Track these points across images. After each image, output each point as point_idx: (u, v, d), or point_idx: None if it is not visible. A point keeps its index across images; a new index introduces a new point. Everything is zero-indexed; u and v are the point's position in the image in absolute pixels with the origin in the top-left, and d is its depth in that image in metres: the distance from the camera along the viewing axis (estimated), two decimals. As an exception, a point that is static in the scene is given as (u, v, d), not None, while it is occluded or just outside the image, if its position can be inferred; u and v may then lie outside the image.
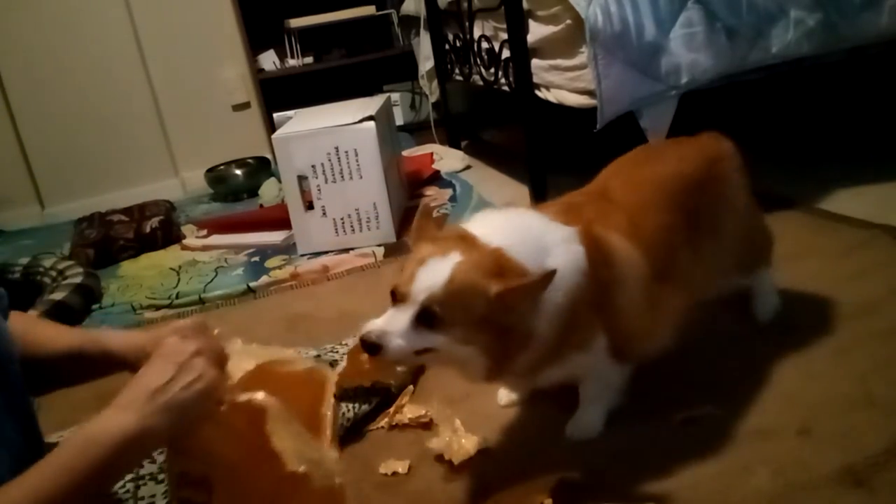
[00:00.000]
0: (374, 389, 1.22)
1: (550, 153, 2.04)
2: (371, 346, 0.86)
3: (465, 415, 1.16)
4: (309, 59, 3.50)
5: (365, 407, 1.20)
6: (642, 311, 1.02)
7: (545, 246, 0.94)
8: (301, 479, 0.80)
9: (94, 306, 1.97)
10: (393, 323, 0.87)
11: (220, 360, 0.83)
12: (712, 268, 1.15)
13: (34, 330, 0.95)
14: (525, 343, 0.91)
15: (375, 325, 0.87)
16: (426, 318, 0.86)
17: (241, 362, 0.87)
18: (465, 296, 0.86)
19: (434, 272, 0.87)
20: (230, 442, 0.81)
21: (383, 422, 1.19)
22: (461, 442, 1.07)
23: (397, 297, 0.89)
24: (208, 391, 0.77)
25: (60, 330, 0.98)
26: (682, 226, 1.09)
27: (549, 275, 0.86)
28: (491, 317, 0.87)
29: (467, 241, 0.92)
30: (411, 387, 1.26)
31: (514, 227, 0.97)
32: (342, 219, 2.08)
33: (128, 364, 0.88)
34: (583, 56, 1.77)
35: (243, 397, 0.81)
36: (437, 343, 0.88)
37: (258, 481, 0.81)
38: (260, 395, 0.81)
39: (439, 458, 1.07)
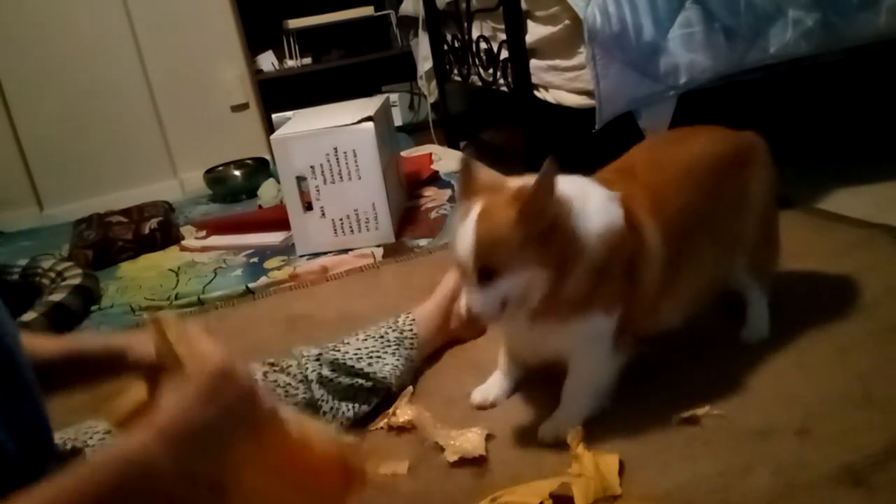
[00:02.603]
0: (375, 389, 1.22)
1: (549, 153, 2.04)
2: (475, 319, 0.98)
3: (465, 414, 1.16)
4: (307, 60, 3.51)
5: (365, 407, 1.20)
6: (656, 291, 1.06)
7: (585, 194, 1.00)
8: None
9: (93, 307, 1.97)
10: (470, 298, 0.97)
11: None
12: (725, 253, 1.18)
13: (29, 341, 0.87)
14: (569, 260, 0.96)
15: (465, 304, 0.98)
16: (485, 275, 0.95)
17: None
18: (497, 237, 0.94)
19: (465, 234, 0.95)
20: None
21: (383, 422, 1.19)
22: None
23: (461, 272, 0.99)
24: (250, 431, 0.69)
25: (49, 338, 0.90)
26: (702, 207, 1.12)
27: (549, 170, 0.92)
28: (530, 236, 0.93)
29: (494, 187, 0.99)
30: (410, 388, 1.26)
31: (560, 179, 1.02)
32: (341, 219, 2.08)
33: (127, 360, 0.84)
34: (581, 56, 1.77)
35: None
36: (508, 287, 0.95)
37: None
38: None
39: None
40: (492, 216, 0.95)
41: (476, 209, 0.96)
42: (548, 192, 0.94)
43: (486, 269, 0.95)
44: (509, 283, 0.96)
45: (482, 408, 1.18)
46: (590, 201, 1.00)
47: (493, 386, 1.21)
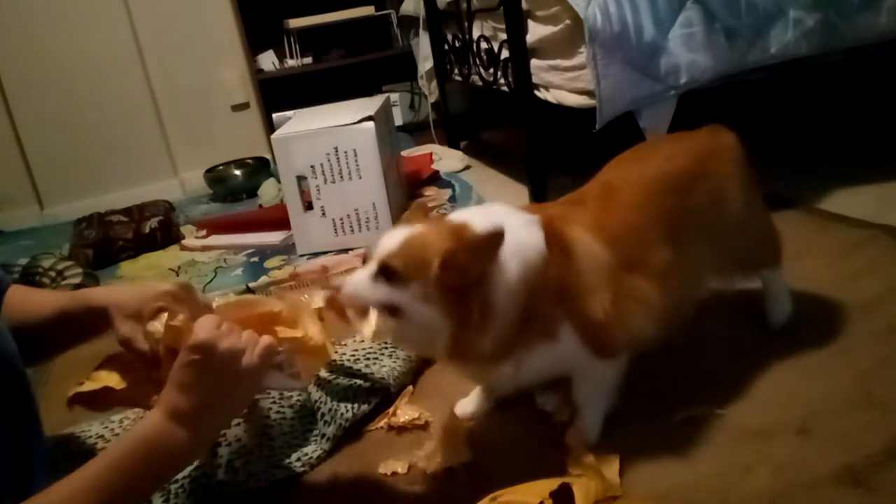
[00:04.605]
0: (373, 389, 1.22)
1: (550, 153, 2.04)
2: (345, 298, 0.93)
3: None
4: (308, 60, 3.51)
5: (365, 407, 1.20)
6: (608, 299, 1.00)
7: (507, 225, 0.93)
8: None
9: (94, 307, 1.97)
10: (354, 277, 0.94)
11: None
12: (704, 266, 1.14)
13: (25, 299, 0.97)
14: (485, 317, 0.92)
15: (346, 281, 0.94)
16: (385, 272, 0.92)
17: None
18: (418, 253, 0.92)
19: (395, 236, 0.95)
20: None
21: (383, 422, 1.19)
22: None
23: (364, 261, 0.96)
24: (252, 393, 0.82)
25: (48, 295, 1.00)
26: (660, 224, 1.06)
27: (497, 234, 0.89)
28: (447, 278, 0.90)
29: (437, 219, 1.01)
30: (410, 387, 1.26)
31: (482, 210, 1.03)
32: (341, 219, 2.08)
33: (112, 321, 0.89)
34: (582, 56, 1.77)
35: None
36: (397, 298, 0.91)
37: None
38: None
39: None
40: (424, 236, 0.94)
41: (420, 226, 0.96)
42: (479, 254, 0.90)
43: (389, 269, 0.91)
44: (405, 298, 0.91)
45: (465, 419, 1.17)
46: (509, 234, 0.93)
47: (472, 400, 1.19)
